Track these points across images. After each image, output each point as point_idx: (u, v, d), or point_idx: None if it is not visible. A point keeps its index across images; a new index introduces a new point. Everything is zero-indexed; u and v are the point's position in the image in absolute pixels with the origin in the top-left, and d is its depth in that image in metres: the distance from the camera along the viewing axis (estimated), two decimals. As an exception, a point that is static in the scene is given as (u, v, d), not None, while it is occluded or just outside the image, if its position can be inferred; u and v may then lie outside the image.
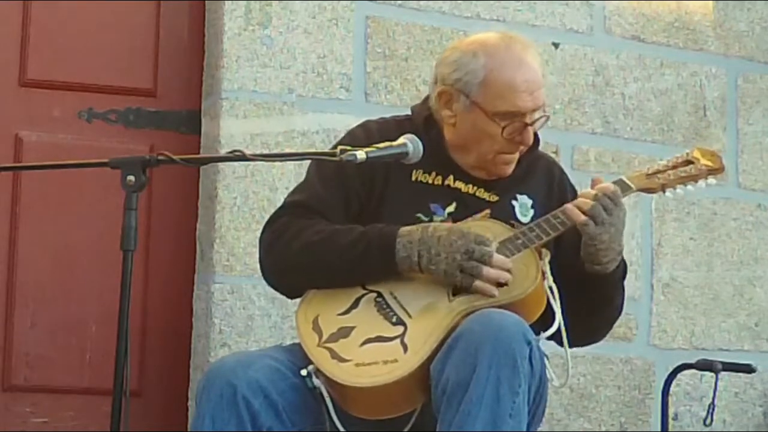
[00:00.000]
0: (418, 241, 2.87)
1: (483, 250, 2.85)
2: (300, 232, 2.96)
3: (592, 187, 2.97)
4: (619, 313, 3.12)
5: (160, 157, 2.71)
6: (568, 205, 2.94)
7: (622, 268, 3.04)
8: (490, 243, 2.87)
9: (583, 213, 2.91)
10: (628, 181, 3.05)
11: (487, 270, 2.84)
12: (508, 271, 2.87)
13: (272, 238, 3.00)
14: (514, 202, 3.07)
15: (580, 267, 2.98)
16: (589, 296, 3.00)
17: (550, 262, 2.93)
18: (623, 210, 2.96)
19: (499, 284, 2.86)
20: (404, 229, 2.90)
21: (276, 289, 3.09)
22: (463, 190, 3.06)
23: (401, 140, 2.82)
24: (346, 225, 2.97)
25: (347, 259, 2.91)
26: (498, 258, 2.87)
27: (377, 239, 2.90)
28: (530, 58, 3.02)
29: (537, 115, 3.01)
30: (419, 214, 3.00)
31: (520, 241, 2.93)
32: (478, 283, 2.84)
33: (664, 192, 3.06)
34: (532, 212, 3.07)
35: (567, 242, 3.01)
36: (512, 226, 3.01)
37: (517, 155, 3.06)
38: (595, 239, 2.92)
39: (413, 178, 3.04)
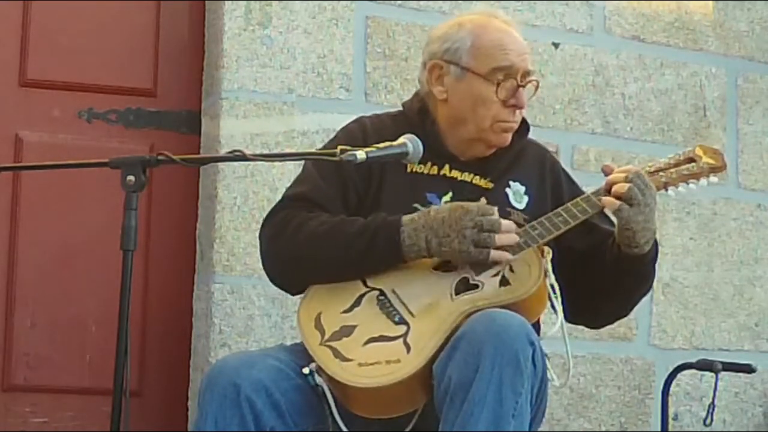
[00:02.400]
0: (423, 227, 2.88)
1: (490, 219, 2.87)
2: (302, 224, 2.96)
3: (607, 175, 2.98)
4: (649, 290, 3.15)
5: (160, 157, 2.71)
6: (604, 198, 2.94)
7: (655, 248, 3.05)
8: (493, 210, 2.89)
9: (619, 198, 2.92)
10: None
11: (499, 237, 2.86)
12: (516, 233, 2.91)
13: (274, 231, 3.00)
14: (507, 190, 3.09)
15: (615, 250, 3.01)
16: (627, 277, 3.03)
17: (552, 260, 2.94)
18: (653, 188, 2.97)
19: (502, 283, 2.87)
20: (407, 218, 2.91)
21: (277, 283, 3.08)
22: (458, 178, 3.08)
23: (401, 140, 2.82)
24: (348, 217, 2.98)
25: (352, 252, 2.91)
26: (505, 223, 2.89)
27: (382, 230, 2.90)
28: (513, 30, 3.11)
29: (528, 78, 3.05)
30: (416, 205, 3.00)
31: (522, 240, 2.94)
32: (494, 253, 2.86)
33: (666, 190, 3.06)
34: (525, 198, 3.10)
35: (580, 231, 3.03)
36: (508, 213, 3.02)
37: (514, 123, 3.07)
38: (631, 222, 2.93)
39: (409, 170, 3.05)
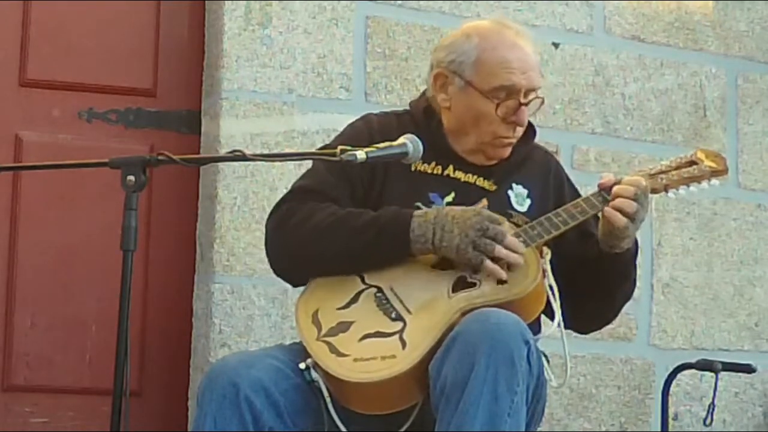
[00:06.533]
0: (433, 219, 2.88)
1: (497, 228, 2.87)
2: (311, 215, 2.96)
3: (603, 188, 2.99)
4: (633, 291, 3.15)
5: (160, 157, 2.71)
6: (609, 210, 2.94)
7: (635, 246, 3.07)
8: (503, 223, 2.89)
9: (625, 215, 2.93)
10: None
11: (499, 249, 2.86)
12: (519, 255, 2.88)
13: (280, 221, 3.00)
14: (509, 192, 3.10)
15: (596, 249, 3.02)
16: (608, 275, 3.04)
17: (551, 260, 2.94)
18: (649, 199, 3.00)
19: (499, 282, 2.87)
20: (419, 211, 2.92)
21: (281, 275, 3.07)
22: (462, 179, 3.08)
23: (401, 140, 2.82)
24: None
25: (360, 240, 2.91)
26: (511, 240, 2.88)
27: (392, 220, 2.91)
28: (523, 42, 3.06)
29: (531, 96, 3.03)
30: (418, 204, 3.01)
31: (520, 239, 2.94)
32: (488, 263, 2.85)
33: (666, 192, 3.06)
34: (528, 202, 3.10)
35: (571, 232, 3.03)
36: (509, 215, 3.03)
37: (514, 138, 3.07)
38: (625, 233, 2.96)
39: (413, 168, 3.05)
